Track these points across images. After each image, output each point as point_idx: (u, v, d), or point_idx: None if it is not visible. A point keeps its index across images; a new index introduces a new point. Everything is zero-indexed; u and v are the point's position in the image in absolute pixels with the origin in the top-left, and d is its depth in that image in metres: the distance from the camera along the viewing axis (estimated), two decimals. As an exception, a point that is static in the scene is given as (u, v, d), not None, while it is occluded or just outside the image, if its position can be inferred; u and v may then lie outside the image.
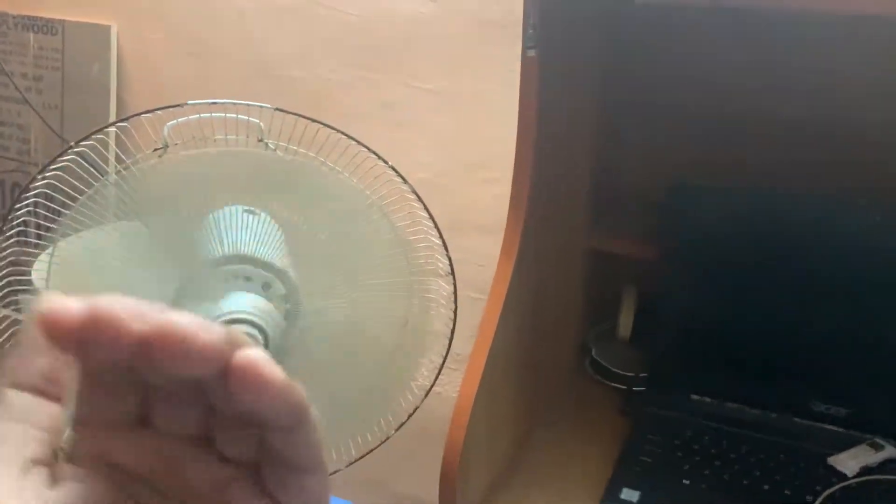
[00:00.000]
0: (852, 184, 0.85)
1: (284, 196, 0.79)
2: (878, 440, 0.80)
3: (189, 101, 0.74)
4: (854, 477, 0.76)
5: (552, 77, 0.74)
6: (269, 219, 0.79)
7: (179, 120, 0.76)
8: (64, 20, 1.24)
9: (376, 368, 0.90)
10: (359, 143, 0.77)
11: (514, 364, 0.80)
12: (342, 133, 0.77)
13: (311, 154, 0.79)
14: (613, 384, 0.95)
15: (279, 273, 0.78)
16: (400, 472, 1.22)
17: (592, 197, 0.95)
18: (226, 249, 0.74)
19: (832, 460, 0.78)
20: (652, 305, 0.95)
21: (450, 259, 0.83)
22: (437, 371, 0.92)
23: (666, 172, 0.92)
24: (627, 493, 0.75)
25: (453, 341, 0.88)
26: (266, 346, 0.74)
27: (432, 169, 1.13)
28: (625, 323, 0.99)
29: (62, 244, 0.76)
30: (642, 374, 0.93)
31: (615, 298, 1.00)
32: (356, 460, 0.90)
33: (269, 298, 0.76)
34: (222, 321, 0.67)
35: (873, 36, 0.81)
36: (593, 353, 0.99)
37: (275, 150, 0.77)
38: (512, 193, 0.75)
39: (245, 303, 0.68)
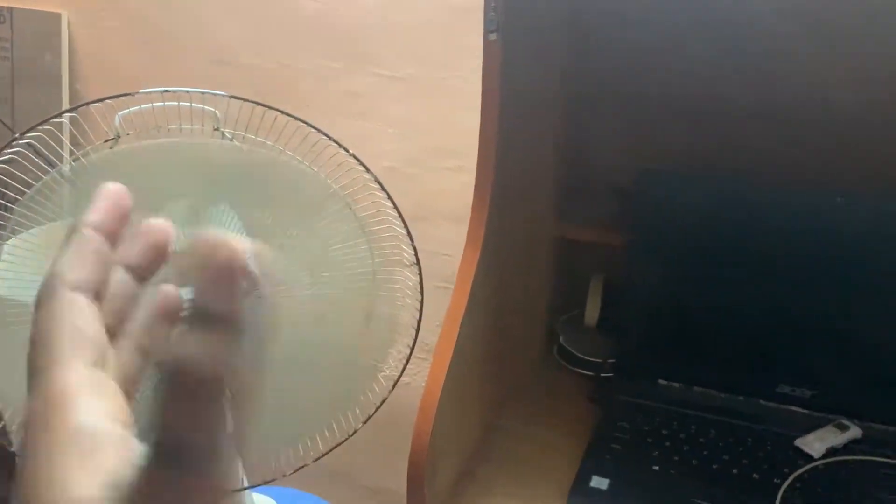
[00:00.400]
0: (818, 169, 0.85)
1: (242, 187, 0.77)
2: (843, 421, 0.81)
3: (141, 90, 0.71)
4: (820, 458, 0.77)
5: (515, 62, 0.73)
6: (227, 211, 0.77)
7: (131, 109, 0.73)
8: (12, 7, 1.20)
9: (342, 362, 0.88)
10: (319, 130, 0.75)
11: (481, 353, 0.79)
12: (301, 121, 0.75)
13: (269, 143, 0.77)
14: (581, 371, 0.95)
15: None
16: (366, 463, 1.20)
17: (559, 184, 0.95)
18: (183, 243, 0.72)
19: (799, 442, 0.79)
20: (619, 292, 0.95)
21: (415, 249, 0.82)
22: (404, 362, 0.90)
23: (633, 159, 0.91)
24: (597, 481, 0.74)
25: (421, 332, 0.87)
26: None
27: (398, 158, 1.11)
28: (592, 310, 0.99)
29: (13, 241, 0.74)
30: (610, 361, 0.92)
31: (583, 286, 1.00)
32: (322, 455, 0.89)
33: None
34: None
35: (842, 21, 0.81)
36: (561, 340, 0.99)
37: (231, 139, 0.75)
38: (476, 181, 0.74)
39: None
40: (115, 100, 0.71)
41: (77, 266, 0.29)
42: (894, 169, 0.82)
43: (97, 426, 0.26)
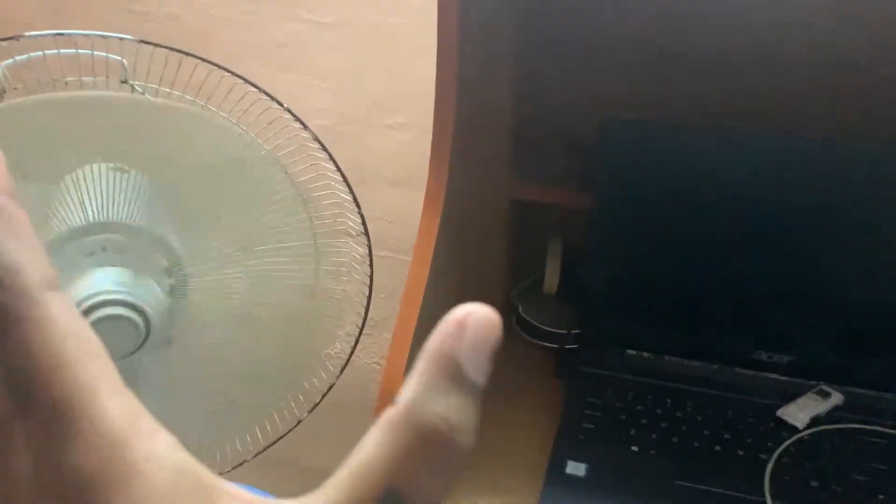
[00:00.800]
0: (789, 119, 0.79)
1: (159, 149, 0.66)
2: (824, 387, 0.76)
3: (28, 33, 0.59)
4: (805, 429, 0.72)
5: (471, 12, 0.64)
6: (141, 177, 0.66)
7: (18, 58, 0.61)
8: None
9: (283, 343, 0.79)
10: (247, 81, 0.65)
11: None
12: (225, 70, 0.64)
13: (188, 98, 0.66)
14: (544, 343, 0.88)
15: (158, 241, 0.66)
16: (311, 446, 1.11)
17: (516, 143, 0.86)
18: (89, 216, 0.61)
19: (781, 413, 0.74)
20: (580, 256, 0.88)
21: (362, 217, 0.73)
22: (354, 340, 0.82)
23: (594, 112, 0.83)
24: (573, 467, 0.68)
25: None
26: (147, 328, 0.62)
27: (332, 115, 1.01)
28: (551, 276, 0.92)
29: None
30: (574, 331, 0.86)
31: (541, 251, 0.92)
32: (267, 447, 0.80)
33: (146, 272, 0.64)
34: (85, 307, 0.54)
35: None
36: (520, 310, 0.92)
37: (143, 93, 0.64)
38: (434, 140, 0.65)
39: (109, 280, 0.56)
40: (-5, 45, 0.59)
41: (30, 257, 0.19)
42: (875, 113, 0.77)
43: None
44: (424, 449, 0.18)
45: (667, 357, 0.81)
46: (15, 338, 0.18)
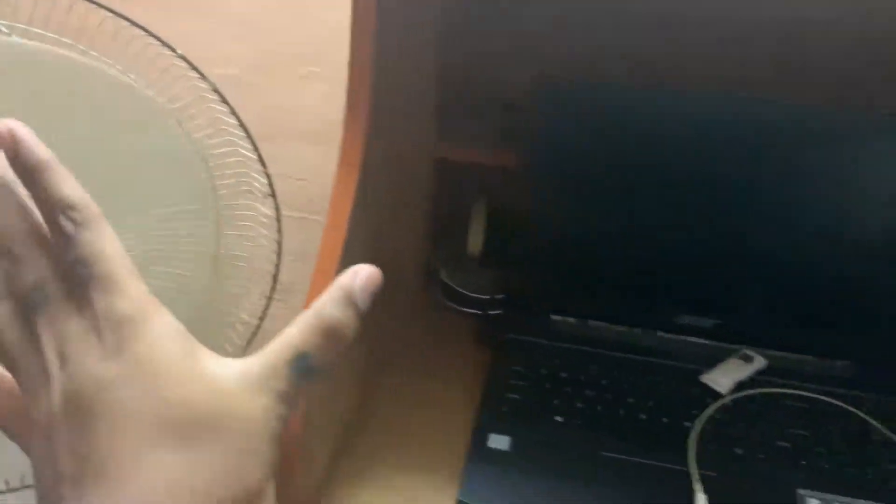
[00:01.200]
0: (722, 76, 0.77)
1: (32, 100, 0.58)
2: (747, 351, 0.75)
3: None
4: (729, 394, 0.71)
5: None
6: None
7: None
8: None
9: (185, 313, 0.73)
10: (134, 23, 0.57)
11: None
12: (108, 10, 0.57)
13: (66, 41, 0.58)
14: (467, 310, 0.84)
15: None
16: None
17: (442, 99, 0.81)
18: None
19: (705, 378, 0.72)
20: (505, 219, 0.84)
21: (268, 176, 0.67)
22: (263, 307, 0.76)
23: (525, 69, 0.79)
24: (496, 440, 0.65)
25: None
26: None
27: (238, 63, 0.93)
28: (475, 238, 0.88)
29: None
30: (498, 297, 0.83)
31: (465, 214, 0.88)
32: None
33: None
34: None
35: None
36: (442, 276, 0.87)
37: (9, 35, 0.56)
38: (348, 95, 0.59)
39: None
40: None
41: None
42: (809, 73, 0.75)
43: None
44: (323, 332, 0.29)
45: (592, 322, 0.79)
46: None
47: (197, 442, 0.26)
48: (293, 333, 0.29)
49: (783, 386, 0.72)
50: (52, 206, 0.28)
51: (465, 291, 0.85)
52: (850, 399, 0.71)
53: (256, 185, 0.68)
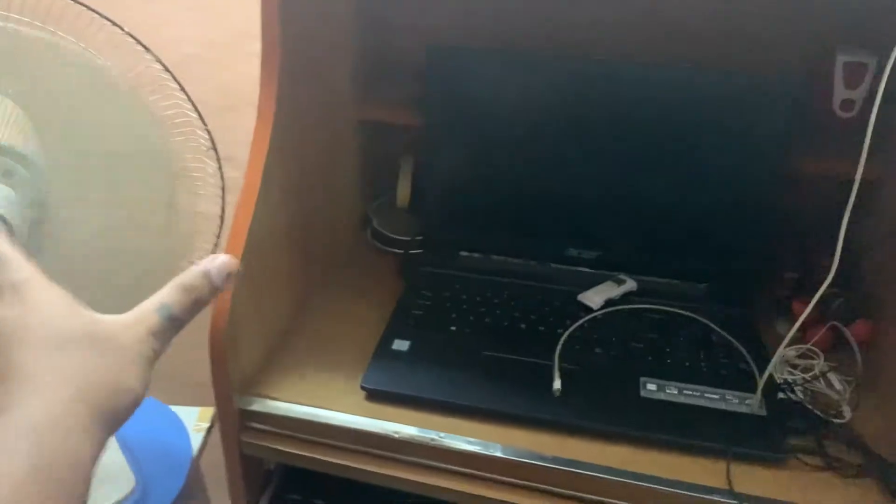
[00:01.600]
0: (600, 37, 0.91)
1: (17, 76, 0.73)
2: (622, 276, 0.90)
3: None
4: (599, 309, 0.85)
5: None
6: (5, 101, 0.72)
7: None
8: None
9: (144, 255, 0.87)
10: (89, 7, 0.71)
11: (282, 237, 0.80)
12: (92, 10, 0.71)
13: (38, 24, 0.72)
14: (392, 250, 0.99)
15: (20, 158, 0.73)
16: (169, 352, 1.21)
17: (359, 64, 0.95)
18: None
19: (581, 297, 0.87)
20: (425, 172, 0.98)
21: (209, 133, 0.81)
22: (212, 250, 0.90)
23: (428, 37, 0.93)
24: (398, 344, 0.79)
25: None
26: (11, 233, 0.69)
27: (199, 43, 1.07)
28: (402, 191, 1.02)
29: None
30: (418, 238, 0.97)
31: (396, 168, 1.02)
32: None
33: (11, 186, 0.71)
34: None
35: None
36: (374, 223, 1.02)
37: (-8, 19, 0.70)
38: (263, 51, 0.73)
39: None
40: None
41: None
42: (677, 34, 0.89)
43: None
44: (182, 290, 0.40)
45: (493, 256, 0.93)
46: None
47: (82, 353, 0.36)
48: (162, 292, 0.40)
49: (646, 303, 0.86)
50: None
51: (391, 234, 0.99)
52: (701, 312, 0.85)
53: (202, 141, 0.83)
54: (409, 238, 0.98)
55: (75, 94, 0.76)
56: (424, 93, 0.90)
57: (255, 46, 1.13)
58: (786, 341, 0.67)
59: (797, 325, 0.66)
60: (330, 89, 0.89)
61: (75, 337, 0.36)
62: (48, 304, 0.37)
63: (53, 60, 0.74)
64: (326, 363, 0.78)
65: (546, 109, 0.87)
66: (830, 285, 0.62)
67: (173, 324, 0.40)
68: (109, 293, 0.86)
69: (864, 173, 0.60)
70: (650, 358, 0.79)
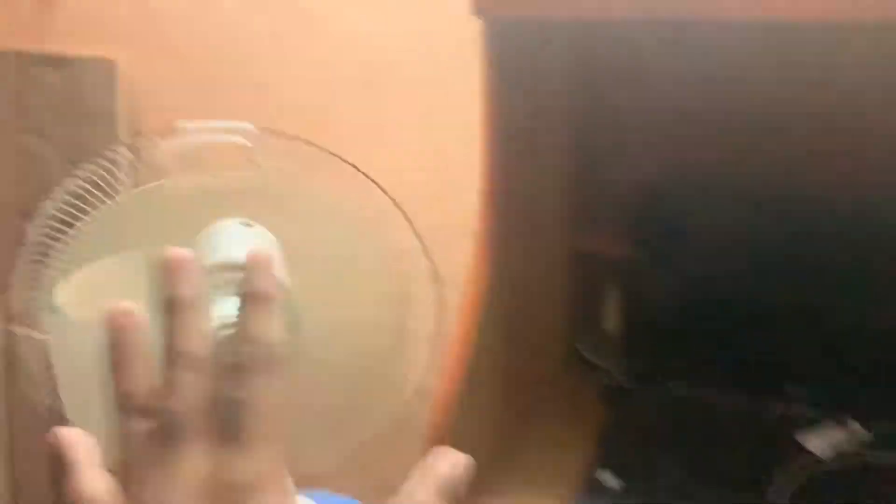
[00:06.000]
0: (817, 182, 0.89)
1: (276, 211, 0.84)
2: (845, 418, 0.84)
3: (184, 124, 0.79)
4: (828, 459, 0.80)
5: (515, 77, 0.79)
6: (265, 231, 0.84)
7: (171, 144, 0.81)
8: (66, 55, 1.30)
9: (371, 375, 0.93)
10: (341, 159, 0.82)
11: (495, 365, 0.84)
12: (337, 156, 0.81)
13: (300, 172, 0.84)
14: (598, 377, 0.99)
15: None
16: (379, 460, 1.25)
17: (573, 197, 1.00)
18: (217, 258, 0.79)
19: (805, 442, 0.82)
20: (634, 304, 0.99)
21: (433, 262, 0.88)
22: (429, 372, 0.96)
23: (641, 176, 0.96)
24: (604, 477, 0.79)
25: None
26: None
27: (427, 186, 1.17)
28: (610, 320, 1.04)
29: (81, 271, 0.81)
30: (623, 365, 0.97)
31: (603, 297, 1.04)
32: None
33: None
34: (219, 326, 0.71)
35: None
36: (579, 348, 1.04)
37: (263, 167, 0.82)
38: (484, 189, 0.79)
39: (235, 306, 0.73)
40: (152, 138, 0.79)
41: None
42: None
43: None
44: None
45: (702, 388, 0.92)
46: None
47: None
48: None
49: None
50: (250, 337, 0.32)
51: (596, 362, 1.00)
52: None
53: (424, 269, 0.90)
54: (615, 366, 0.98)
55: (316, 228, 0.86)
56: (637, 225, 0.93)
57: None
58: None
59: None
60: (541, 220, 0.94)
61: None
62: None
63: (310, 199, 0.85)
64: (529, 491, 0.80)
65: (766, 245, 0.86)
66: None
67: None
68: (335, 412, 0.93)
69: None
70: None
